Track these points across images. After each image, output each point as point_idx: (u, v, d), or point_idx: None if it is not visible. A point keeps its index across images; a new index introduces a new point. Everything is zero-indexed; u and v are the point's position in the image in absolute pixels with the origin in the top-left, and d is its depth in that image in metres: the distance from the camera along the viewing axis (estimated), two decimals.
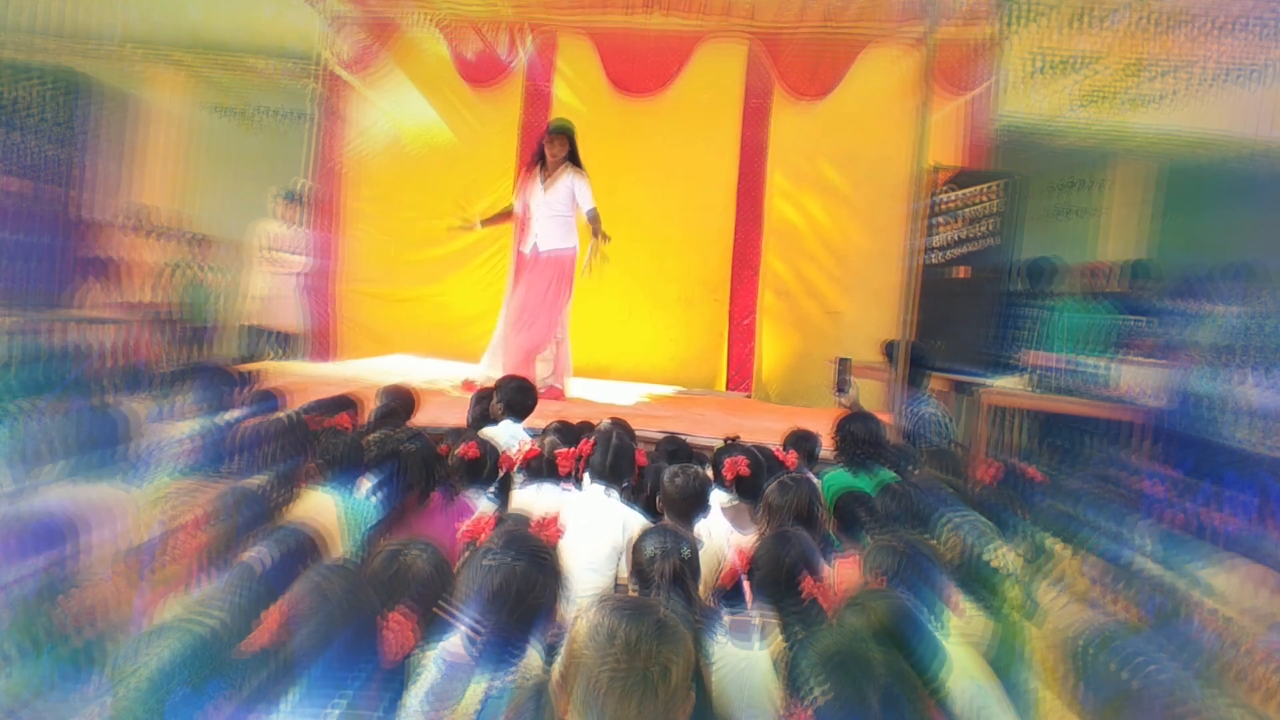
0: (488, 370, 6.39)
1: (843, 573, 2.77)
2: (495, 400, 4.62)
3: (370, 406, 4.50)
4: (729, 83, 7.98)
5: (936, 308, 6.94)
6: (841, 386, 5.87)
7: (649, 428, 5.14)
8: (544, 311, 6.42)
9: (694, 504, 3.30)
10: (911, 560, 2.47)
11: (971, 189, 6.92)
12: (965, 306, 6.86)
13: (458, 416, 4.90)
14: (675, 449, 4.34)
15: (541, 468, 3.82)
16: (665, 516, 3.34)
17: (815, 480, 3.72)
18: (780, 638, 2.37)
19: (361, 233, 8.21)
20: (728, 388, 8.10)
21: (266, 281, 7.94)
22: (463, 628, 2.05)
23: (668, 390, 7.62)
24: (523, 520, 2.84)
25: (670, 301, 8.17)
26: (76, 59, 8.99)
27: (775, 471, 3.62)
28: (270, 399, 4.43)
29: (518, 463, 3.83)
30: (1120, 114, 7.99)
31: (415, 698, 2.00)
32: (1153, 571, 2.85)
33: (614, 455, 3.53)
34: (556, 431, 4.12)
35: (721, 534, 3.40)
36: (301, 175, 8.17)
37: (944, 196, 6.90)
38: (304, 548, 2.46)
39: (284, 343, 8.12)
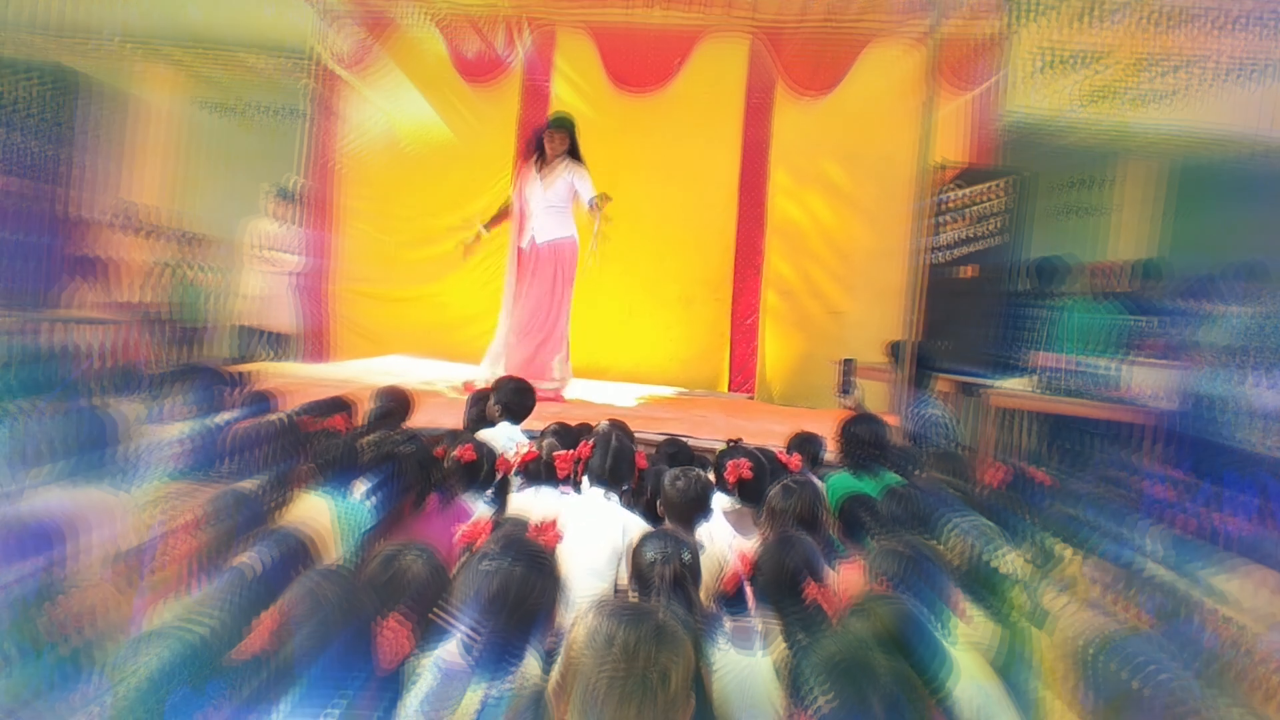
0: (490, 372, 6.39)
1: (846, 577, 2.77)
2: (492, 402, 4.62)
3: (365, 408, 4.50)
4: (730, 79, 7.98)
5: (942, 307, 6.94)
6: (845, 388, 5.88)
7: (649, 429, 5.14)
8: (554, 307, 6.43)
9: (695, 508, 3.30)
10: (916, 564, 2.48)
11: (977, 187, 6.91)
12: (971, 306, 6.85)
13: (454, 418, 4.90)
14: (676, 451, 4.34)
15: (540, 471, 3.82)
16: (666, 520, 3.34)
17: (819, 483, 3.72)
18: (783, 643, 2.37)
19: (357, 231, 8.21)
20: (730, 389, 8.10)
21: (260, 281, 7.95)
22: (460, 633, 2.06)
23: (669, 391, 7.62)
24: (521, 524, 2.85)
25: (671, 301, 8.17)
26: (68, 55, 8.99)
27: (778, 474, 3.61)
28: (264, 400, 4.44)
29: (515, 465, 3.82)
30: (1128, 111, 7.99)
31: (411, 704, 2.00)
32: (1160, 575, 2.85)
33: (614, 458, 3.53)
34: (555, 434, 4.12)
35: (723, 538, 3.40)
36: (296, 173, 8.18)
37: (949, 194, 6.89)
38: (298, 551, 2.46)
39: (278, 343, 8.13)
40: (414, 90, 8.14)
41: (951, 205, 6.92)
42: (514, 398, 4.62)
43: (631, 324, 8.10)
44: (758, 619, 2.52)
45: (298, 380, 5.96)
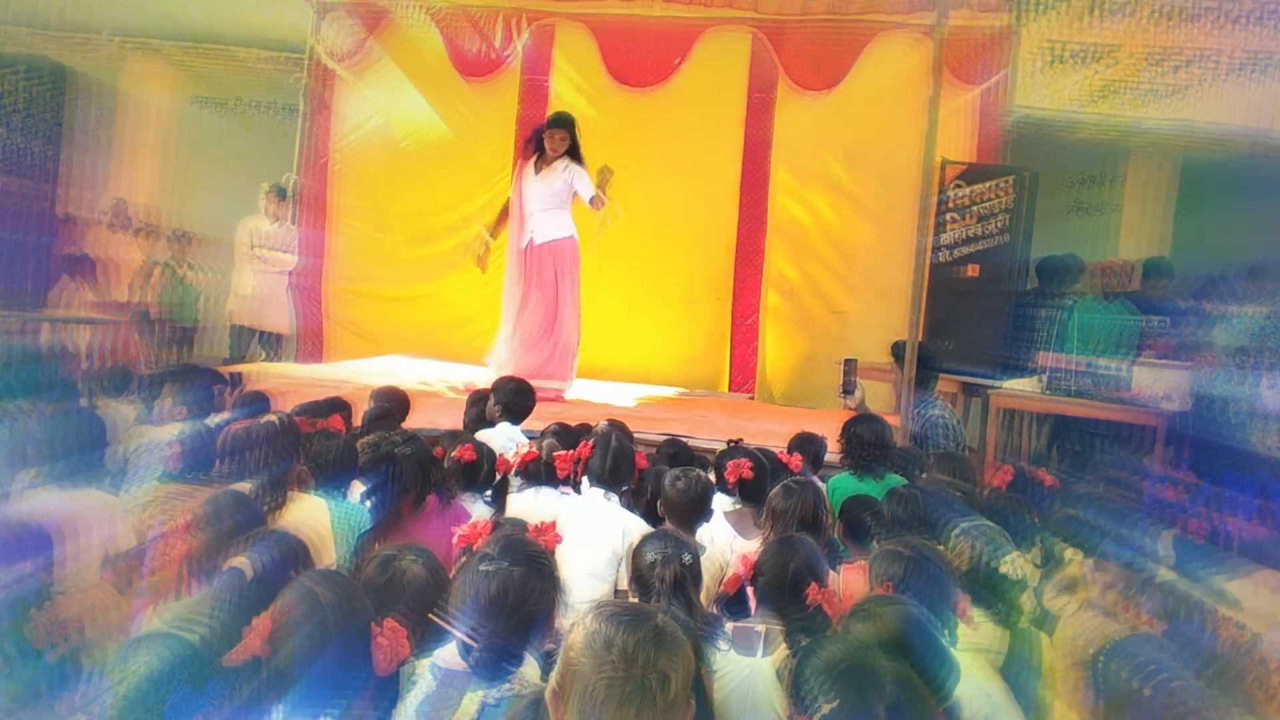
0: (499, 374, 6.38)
1: (849, 580, 2.78)
2: (492, 402, 4.63)
3: (362, 409, 4.51)
4: (732, 75, 7.98)
5: (945, 307, 6.96)
6: (847, 388, 5.88)
7: (649, 430, 5.15)
8: (561, 311, 6.43)
9: (696, 509, 3.31)
10: (920, 567, 2.48)
11: (982, 185, 6.94)
12: (975, 306, 6.87)
13: (453, 419, 4.90)
14: (676, 452, 4.35)
15: (539, 471, 3.82)
16: (666, 521, 3.35)
17: (820, 485, 3.73)
18: (784, 647, 2.38)
19: (353, 230, 8.21)
20: (730, 389, 8.10)
21: (254, 280, 7.95)
22: (458, 636, 2.06)
23: (669, 391, 7.62)
24: (520, 525, 2.85)
25: (672, 300, 8.17)
26: (61, 52, 9.01)
27: (779, 475, 3.62)
28: (259, 401, 4.44)
29: (515, 466, 3.83)
30: (1136, 107, 7.98)
31: (409, 708, 2.01)
32: (1168, 580, 2.86)
33: (613, 458, 3.54)
34: (555, 434, 4.13)
35: (724, 540, 3.41)
36: (290, 170, 8.18)
37: (954, 192, 6.92)
38: (295, 554, 2.46)
39: (273, 343, 8.13)
40: (411, 87, 8.14)
41: (955, 203, 6.94)
42: (513, 398, 4.62)
43: (631, 323, 8.09)
44: (759, 622, 2.52)
45: (294, 381, 5.97)
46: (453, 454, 3.59)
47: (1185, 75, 7.54)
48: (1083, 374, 5.68)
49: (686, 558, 2.53)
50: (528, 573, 2.10)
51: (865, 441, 4.14)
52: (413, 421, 4.60)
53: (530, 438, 4.29)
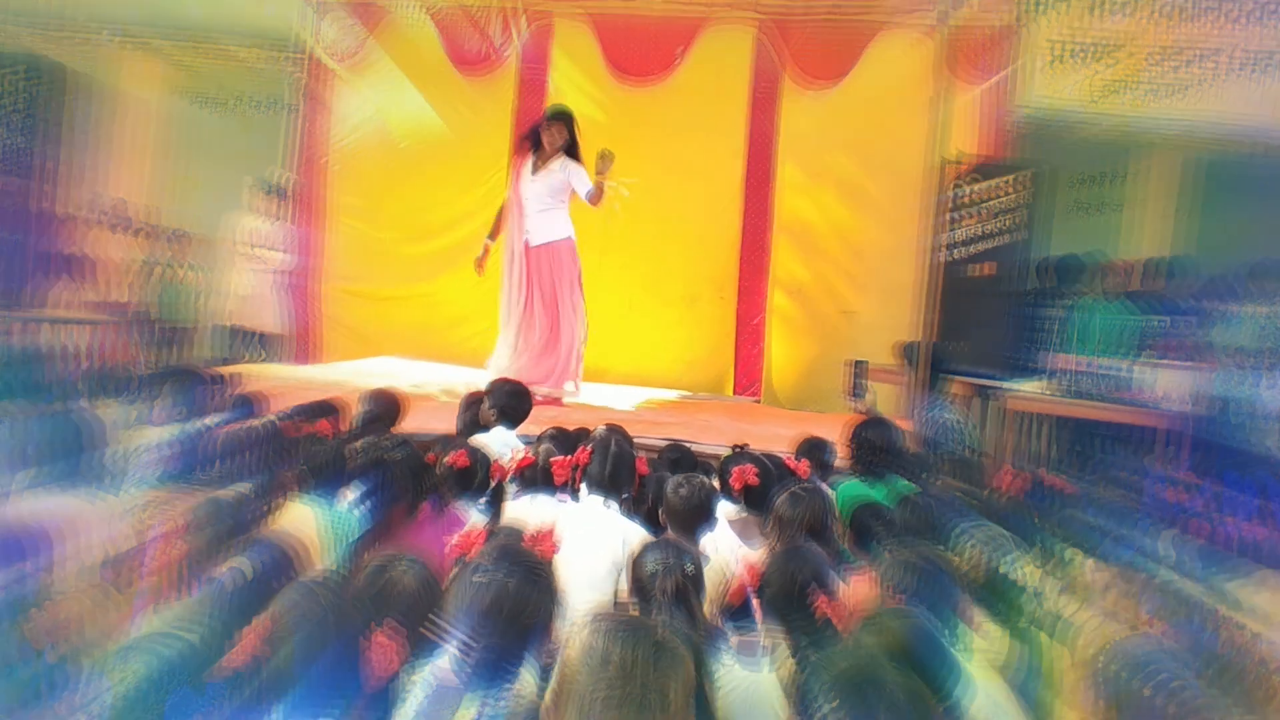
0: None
1: (857, 589, 2.76)
2: (487, 405, 4.62)
3: (354, 412, 4.50)
4: (736, 69, 7.97)
5: (957, 307, 6.92)
6: (856, 391, 5.88)
7: (651, 434, 5.13)
8: (562, 316, 6.42)
9: (699, 516, 3.29)
10: (930, 576, 2.47)
11: (994, 181, 6.90)
12: (987, 306, 6.83)
13: (447, 423, 4.89)
14: (679, 457, 4.33)
15: (536, 477, 3.81)
16: (668, 529, 3.33)
17: (828, 491, 3.71)
18: (790, 659, 2.37)
19: (346, 228, 8.21)
20: (735, 392, 8.09)
21: (246, 279, 7.96)
22: (452, 648, 2.05)
23: (671, 394, 7.60)
24: (516, 533, 2.84)
25: (674, 301, 8.16)
26: (52, 48, 9.00)
27: (786, 481, 3.60)
28: (248, 404, 4.44)
29: (511, 472, 3.82)
30: (1149, 102, 8.00)
31: None
32: (1185, 587, 2.84)
33: (613, 464, 3.52)
34: (552, 439, 4.11)
35: (728, 548, 3.40)
36: (283, 167, 8.18)
37: (965, 189, 6.89)
38: (284, 561, 2.45)
39: (263, 344, 8.13)
40: (406, 82, 8.14)
41: (966, 200, 6.91)
42: (509, 401, 4.61)
43: (632, 324, 8.09)
44: (764, 633, 2.51)
45: (284, 383, 5.96)
46: (446, 459, 3.57)
47: (1195, 71, 7.55)
48: (1101, 376, 5.67)
49: (689, 567, 2.52)
50: (524, 583, 2.09)
51: (875, 446, 4.12)
52: (405, 425, 4.59)
53: (526, 442, 4.27)
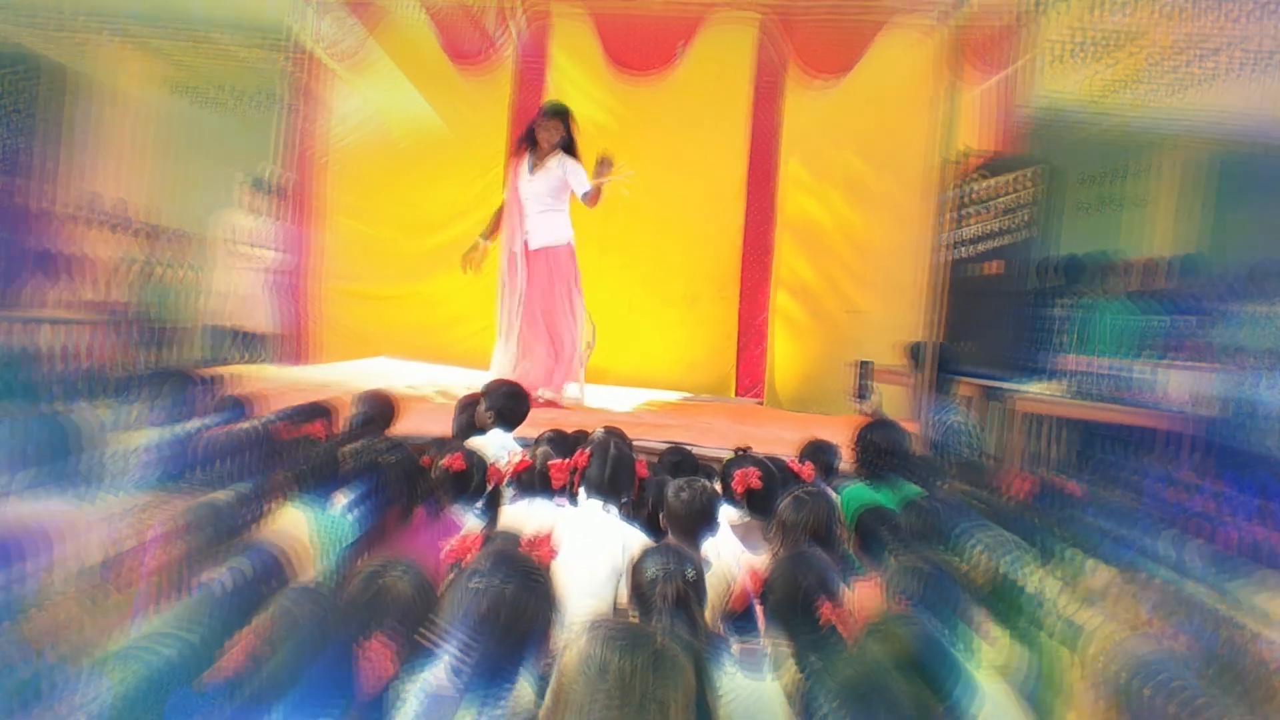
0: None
1: (863, 596, 2.76)
2: (483, 407, 4.62)
3: (347, 414, 4.50)
4: (739, 61, 7.98)
5: (966, 306, 6.92)
6: (862, 392, 5.88)
7: (651, 437, 5.14)
8: (559, 319, 6.41)
9: (700, 521, 3.30)
10: (937, 582, 2.48)
11: (1004, 177, 6.90)
12: (996, 305, 6.83)
13: (442, 425, 4.90)
14: (680, 460, 4.34)
15: (533, 481, 3.81)
16: (669, 535, 3.34)
17: (833, 495, 3.72)
18: (794, 668, 2.37)
19: (338, 225, 8.21)
20: (737, 393, 8.10)
21: (235, 278, 7.95)
22: (447, 656, 2.05)
23: (672, 396, 7.61)
24: (513, 539, 2.85)
25: (675, 300, 8.17)
26: (38, 42, 9.00)
27: (789, 485, 3.61)
28: (237, 406, 4.44)
29: (507, 476, 3.83)
30: (1167, 96, 7.99)
31: None
32: (1203, 596, 2.85)
33: (612, 467, 3.53)
34: (550, 441, 4.12)
35: (731, 554, 3.40)
36: (273, 163, 8.18)
37: (974, 185, 6.88)
38: (274, 568, 2.46)
39: (254, 345, 8.13)
40: (400, 75, 8.14)
41: (975, 197, 6.90)
42: (507, 403, 4.61)
43: (632, 325, 8.09)
44: (767, 641, 2.51)
45: (275, 384, 5.96)
46: (441, 462, 3.58)
47: (1216, 63, 7.54)
48: (1112, 377, 5.68)
49: (690, 573, 2.53)
50: (521, 589, 2.09)
51: (881, 449, 4.13)
52: (400, 428, 4.59)
53: (524, 445, 4.28)
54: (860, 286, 7.89)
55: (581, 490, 3.57)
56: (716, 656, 2.39)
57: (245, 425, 3.56)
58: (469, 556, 2.45)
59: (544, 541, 2.59)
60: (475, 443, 4.16)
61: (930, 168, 6.25)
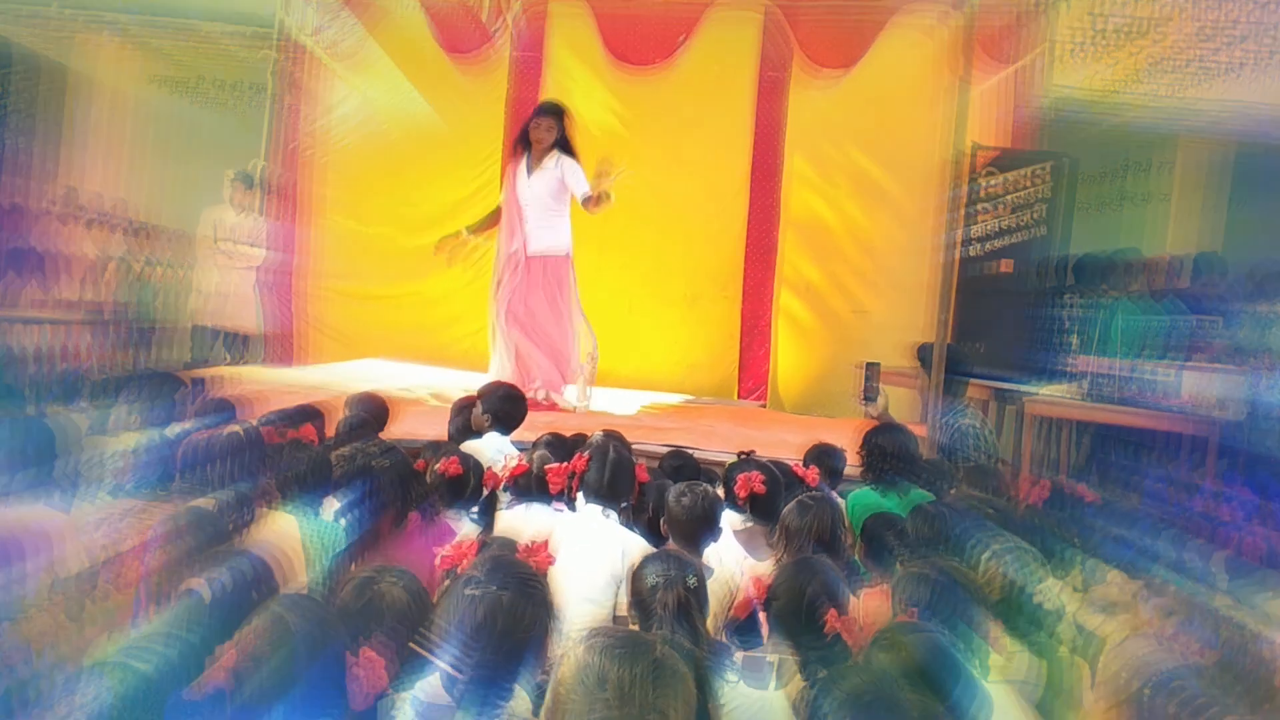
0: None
1: (870, 604, 2.77)
2: (479, 410, 4.63)
3: (338, 417, 4.51)
4: (742, 53, 7.99)
5: (976, 306, 6.94)
6: (869, 395, 5.89)
7: (652, 440, 5.15)
8: (556, 324, 6.42)
9: (702, 526, 3.31)
10: (947, 591, 2.48)
11: (1016, 173, 6.93)
12: (1008, 305, 6.86)
13: (437, 429, 4.91)
14: (681, 465, 4.35)
15: (531, 485, 3.82)
16: (670, 540, 3.35)
17: (839, 500, 3.73)
18: (799, 678, 2.38)
19: (328, 222, 8.22)
20: (740, 396, 8.11)
21: (220, 277, 7.94)
22: (442, 666, 2.06)
23: (673, 399, 7.61)
24: (509, 545, 2.85)
25: (676, 300, 8.17)
26: (9, 30, 8.99)
27: (794, 490, 3.62)
28: (225, 409, 4.43)
29: (504, 480, 3.83)
30: (1186, 87, 7.98)
31: None
32: (1221, 605, 2.85)
33: (612, 471, 3.54)
34: (548, 445, 4.13)
35: (733, 560, 3.41)
36: (259, 156, 8.18)
37: (984, 181, 6.91)
38: (263, 576, 2.46)
39: (240, 345, 8.12)
40: (394, 68, 8.14)
41: (987, 193, 6.93)
42: (503, 405, 4.62)
43: (633, 325, 8.09)
44: (771, 650, 2.52)
45: (265, 386, 5.96)
46: (436, 467, 3.59)
47: (1239, 52, 7.54)
48: (1126, 379, 5.69)
49: (691, 580, 2.53)
50: (517, 597, 2.10)
51: (888, 453, 4.14)
52: (392, 431, 4.60)
53: (521, 449, 4.28)
54: (867, 286, 7.90)
55: (580, 495, 3.58)
56: (718, 666, 2.39)
57: (233, 429, 3.56)
58: (464, 563, 2.46)
59: (541, 548, 2.59)
60: (471, 446, 4.18)
61: (939, 164, 6.26)
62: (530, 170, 6.39)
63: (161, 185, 8.89)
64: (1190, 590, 2.90)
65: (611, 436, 4.03)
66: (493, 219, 6.73)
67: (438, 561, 2.62)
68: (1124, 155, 9.32)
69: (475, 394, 4.83)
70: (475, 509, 3.66)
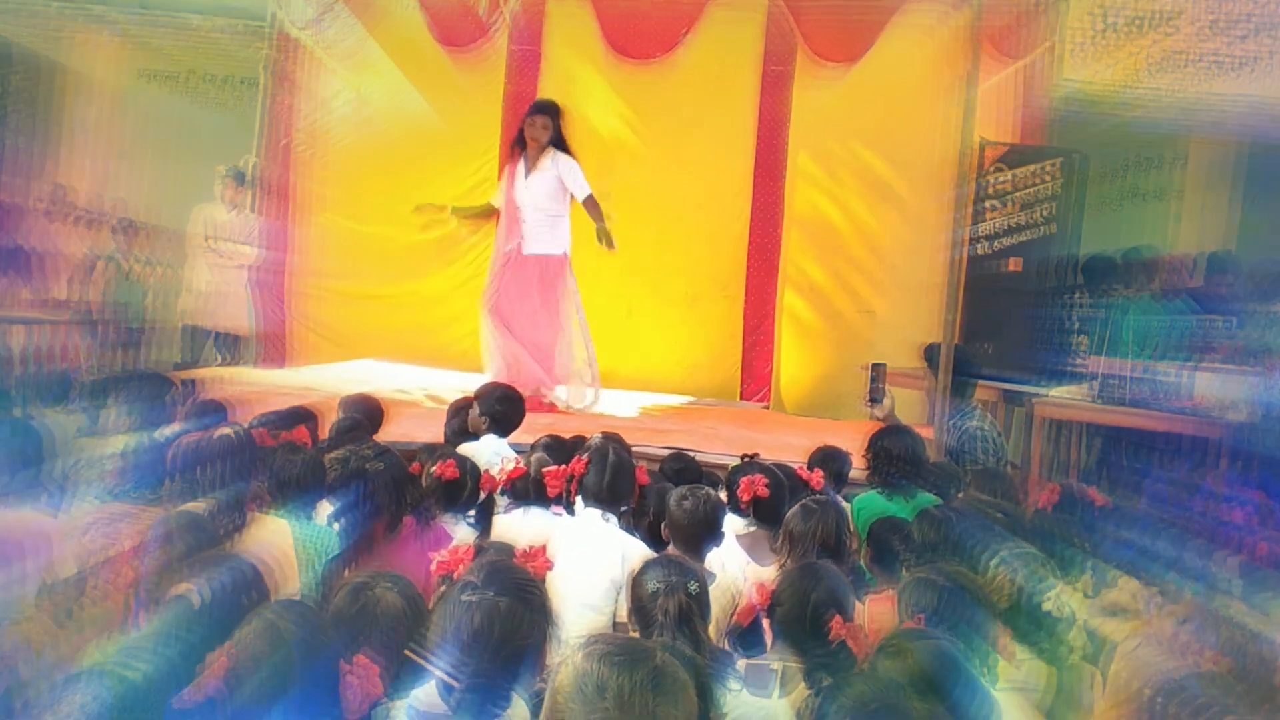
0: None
1: (876, 611, 2.77)
2: (476, 412, 4.63)
3: (332, 419, 4.51)
4: (745, 46, 7.99)
5: (984, 306, 6.95)
6: (875, 396, 5.87)
7: (652, 443, 5.15)
8: (550, 326, 6.42)
9: (704, 531, 3.31)
10: (954, 597, 2.48)
11: (1024, 169, 6.94)
12: (1017, 304, 6.87)
13: (432, 432, 4.91)
14: (682, 468, 4.36)
15: (528, 489, 3.83)
16: (671, 546, 3.35)
17: (844, 504, 3.73)
18: (804, 686, 2.38)
19: (321, 219, 8.21)
20: (743, 397, 8.11)
21: (211, 275, 7.94)
22: (437, 674, 2.06)
23: (674, 400, 7.62)
24: (507, 550, 2.85)
25: (677, 300, 8.17)
26: None
27: (798, 494, 3.62)
28: (216, 411, 4.43)
29: (501, 484, 3.83)
30: (1199, 82, 7.98)
31: None
32: (1233, 610, 2.85)
33: (611, 474, 3.54)
34: (546, 448, 4.13)
35: (736, 566, 3.41)
36: (250, 153, 8.17)
37: (992, 178, 6.92)
38: (254, 581, 2.46)
39: (231, 346, 8.13)
40: (387, 60, 8.13)
41: (995, 190, 6.94)
42: (501, 407, 4.62)
43: (633, 326, 8.09)
44: (775, 658, 2.52)
45: (256, 388, 5.97)
46: (432, 470, 3.59)
47: (1253, 45, 7.53)
48: (1138, 381, 5.68)
49: (693, 586, 2.53)
50: (515, 603, 2.10)
51: (894, 456, 4.14)
52: (387, 434, 4.60)
53: (519, 452, 4.29)
54: (872, 285, 7.89)
55: (579, 499, 3.58)
56: (721, 674, 2.40)
57: (225, 431, 3.56)
58: (461, 569, 2.46)
59: (539, 553, 2.60)
60: (468, 449, 4.18)
61: (946, 160, 6.26)
62: (528, 171, 6.40)
63: (152, 182, 8.89)
64: (1202, 595, 2.90)
65: (611, 439, 4.03)
66: (483, 211, 6.74)
67: (433, 567, 2.62)
68: (1134, 151, 9.32)
69: (472, 396, 4.83)
70: (472, 513, 3.66)
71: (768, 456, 4.17)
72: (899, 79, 7.69)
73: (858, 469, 4.40)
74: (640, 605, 2.55)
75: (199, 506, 3.03)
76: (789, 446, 5.00)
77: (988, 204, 6.97)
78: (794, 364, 8.10)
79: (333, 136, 8.18)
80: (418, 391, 6.67)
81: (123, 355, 7.92)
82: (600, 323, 7.57)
